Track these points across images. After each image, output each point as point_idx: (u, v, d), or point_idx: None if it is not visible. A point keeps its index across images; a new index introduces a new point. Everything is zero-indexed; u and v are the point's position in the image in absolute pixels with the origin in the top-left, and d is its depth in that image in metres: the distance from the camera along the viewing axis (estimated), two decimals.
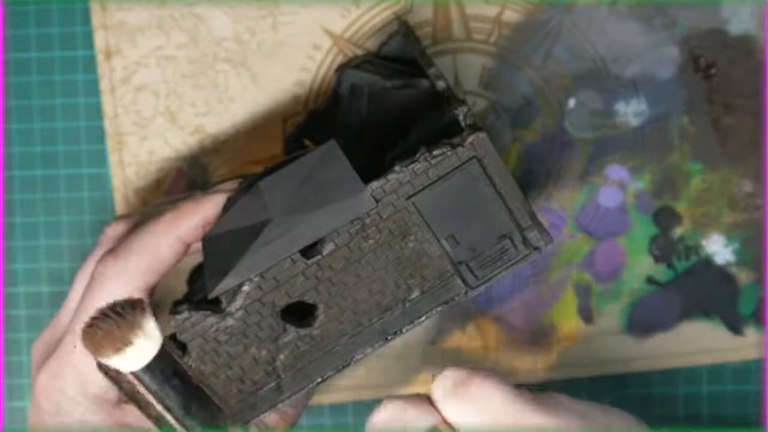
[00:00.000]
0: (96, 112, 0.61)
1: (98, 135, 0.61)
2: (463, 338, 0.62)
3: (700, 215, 0.61)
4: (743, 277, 0.62)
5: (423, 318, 0.49)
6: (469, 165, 0.47)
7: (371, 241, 0.47)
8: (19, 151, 0.62)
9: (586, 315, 0.62)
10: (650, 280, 0.62)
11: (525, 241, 0.48)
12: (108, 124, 0.61)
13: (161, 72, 0.60)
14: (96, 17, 0.60)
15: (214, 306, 0.47)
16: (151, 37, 0.60)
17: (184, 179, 0.60)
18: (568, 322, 0.62)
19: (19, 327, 0.63)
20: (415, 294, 0.48)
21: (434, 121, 0.52)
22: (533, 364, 0.62)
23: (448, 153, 0.46)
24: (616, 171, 0.61)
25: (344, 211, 0.46)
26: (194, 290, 0.57)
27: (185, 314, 0.47)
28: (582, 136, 0.61)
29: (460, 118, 0.47)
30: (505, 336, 0.62)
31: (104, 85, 0.61)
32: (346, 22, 0.60)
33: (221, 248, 0.47)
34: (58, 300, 0.62)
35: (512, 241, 0.48)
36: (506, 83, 0.61)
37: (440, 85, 0.51)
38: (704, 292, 0.62)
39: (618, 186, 0.61)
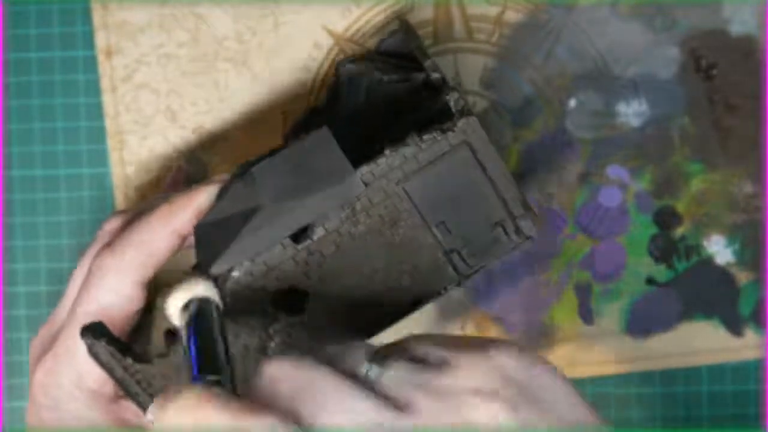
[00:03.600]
0: (96, 111, 0.61)
1: (98, 134, 0.61)
2: None
3: (701, 215, 0.61)
4: (743, 277, 0.61)
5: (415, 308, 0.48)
6: (459, 150, 0.46)
7: (362, 227, 0.47)
8: (19, 151, 0.62)
9: (586, 315, 0.62)
10: (650, 280, 0.61)
11: (518, 230, 0.48)
12: (109, 123, 0.61)
13: (162, 70, 0.60)
14: (97, 16, 0.60)
15: None
16: (153, 36, 0.60)
17: (185, 177, 0.60)
18: (568, 322, 0.62)
19: (19, 327, 0.63)
20: (407, 282, 0.48)
21: (427, 110, 0.52)
22: None
23: (438, 137, 0.46)
24: (616, 171, 0.61)
25: (334, 196, 0.46)
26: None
27: None
28: (582, 136, 0.61)
29: (451, 103, 0.47)
30: (505, 336, 0.62)
31: (105, 83, 0.61)
32: (347, 21, 0.60)
33: (212, 235, 0.47)
34: (57, 299, 0.62)
35: (505, 229, 0.48)
36: (507, 83, 0.61)
37: (435, 76, 0.51)
38: (704, 293, 0.61)
39: (618, 186, 0.61)
